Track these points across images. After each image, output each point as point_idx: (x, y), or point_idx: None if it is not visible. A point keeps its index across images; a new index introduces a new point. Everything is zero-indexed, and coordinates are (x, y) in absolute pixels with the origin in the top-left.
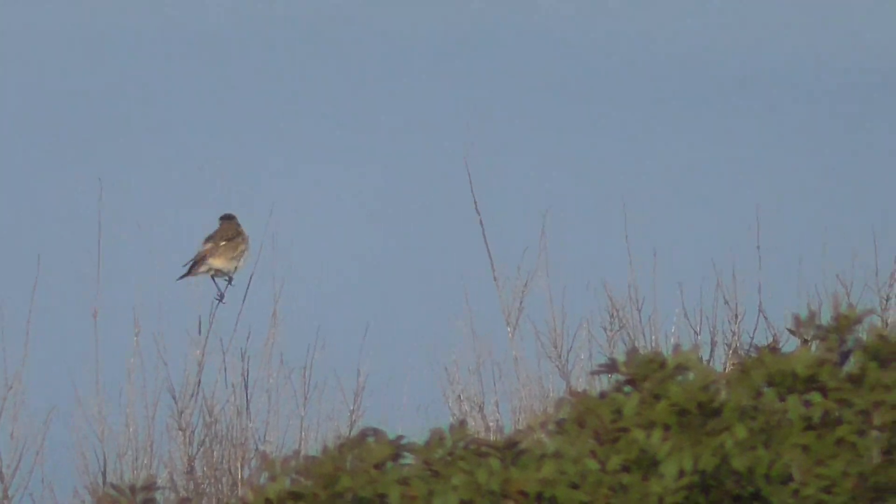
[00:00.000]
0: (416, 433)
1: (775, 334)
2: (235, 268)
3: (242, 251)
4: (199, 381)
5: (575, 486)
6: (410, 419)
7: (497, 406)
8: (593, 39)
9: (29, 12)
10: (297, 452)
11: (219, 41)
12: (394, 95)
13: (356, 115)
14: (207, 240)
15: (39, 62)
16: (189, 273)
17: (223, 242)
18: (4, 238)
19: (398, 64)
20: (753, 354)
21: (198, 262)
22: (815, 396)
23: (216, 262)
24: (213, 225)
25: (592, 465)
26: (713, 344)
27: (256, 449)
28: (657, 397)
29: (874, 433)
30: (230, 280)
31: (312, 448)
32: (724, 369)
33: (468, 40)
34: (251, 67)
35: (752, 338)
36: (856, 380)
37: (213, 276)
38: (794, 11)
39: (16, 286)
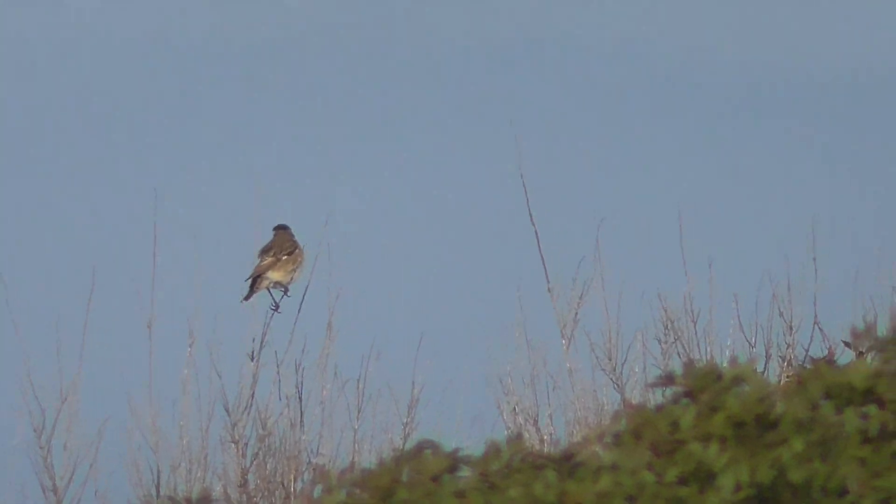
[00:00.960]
0: (471, 445)
1: (831, 347)
2: (292, 279)
3: (300, 263)
4: (253, 394)
5: (632, 499)
6: (464, 431)
7: (551, 418)
8: (645, 48)
9: (93, 21)
10: (352, 465)
11: (265, 50)
12: (445, 104)
13: (407, 124)
14: (264, 252)
15: (88, 69)
16: (252, 293)
17: (284, 256)
18: (60, 249)
19: (448, 72)
20: (809, 367)
21: (258, 277)
22: (872, 409)
23: (275, 275)
24: (266, 234)
25: (649, 477)
26: (768, 356)
27: (310, 462)
28: (714, 410)
29: None
30: (286, 291)
31: (366, 461)
32: (779, 382)
33: (519, 48)
34: (300, 76)
35: (808, 350)
36: None
37: (269, 288)
38: (838, 19)
39: (71, 297)
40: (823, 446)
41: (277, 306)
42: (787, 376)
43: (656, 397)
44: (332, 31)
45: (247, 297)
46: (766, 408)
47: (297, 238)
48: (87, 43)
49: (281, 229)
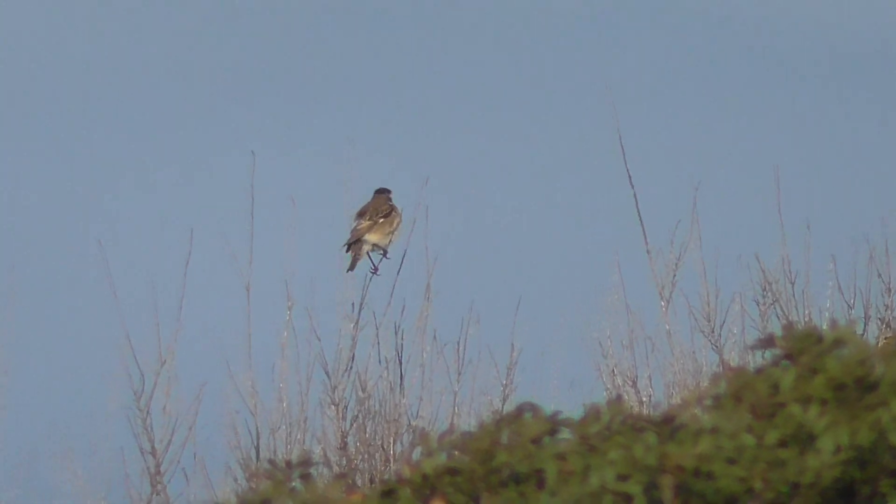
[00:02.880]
0: (569, 407)
1: None
2: (390, 241)
3: (398, 225)
4: (353, 356)
5: (732, 461)
6: (563, 394)
7: (650, 380)
8: (743, 11)
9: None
10: (452, 427)
11: (370, 17)
12: (541, 68)
13: (504, 87)
14: (360, 215)
15: (183, 30)
16: (354, 262)
17: (381, 219)
18: (157, 214)
19: (544, 36)
20: None
21: (357, 242)
22: None
23: (373, 238)
24: (362, 197)
25: (749, 440)
26: (867, 318)
27: (409, 424)
28: (814, 372)
29: None
30: (385, 253)
31: (465, 423)
32: (878, 344)
33: (615, 12)
34: (393, 38)
35: None
36: None
37: (368, 253)
38: None
39: (169, 261)
40: None
41: (376, 269)
42: (886, 338)
43: (755, 359)
44: None
45: (351, 268)
46: (866, 370)
47: (394, 201)
48: (175, 4)
49: (380, 192)
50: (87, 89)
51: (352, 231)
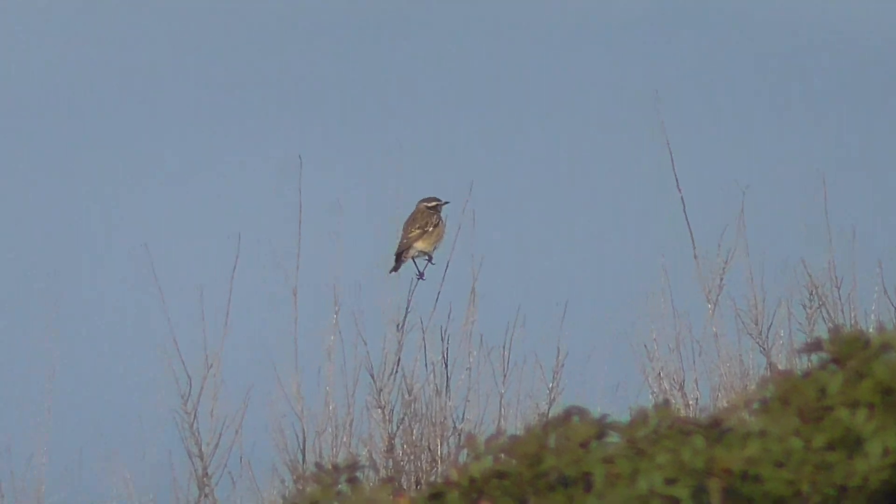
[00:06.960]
0: (615, 411)
1: None
2: (434, 248)
3: (443, 233)
4: (399, 360)
5: (780, 465)
6: (608, 397)
7: (696, 384)
8: (792, 14)
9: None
10: (500, 431)
11: (417, 25)
12: (588, 72)
13: (551, 92)
14: (409, 224)
15: (234, 38)
16: (399, 264)
17: (430, 228)
18: (206, 218)
19: (592, 40)
20: None
21: (405, 250)
22: None
23: (421, 245)
24: (409, 202)
25: (797, 443)
26: None
27: (455, 427)
28: (862, 376)
29: None
30: (430, 259)
31: (511, 426)
32: None
33: (660, 16)
34: (441, 43)
35: None
36: None
37: (413, 258)
38: None
39: (216, 265)
40: None
41: (422, 274)
42: None
43: (802, 363)
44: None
45: (395, 269)
46: None
47: (441, 206)
48: (224, 10)
49: (426, 201)
50: (139, 93)
51: (401, 240)
